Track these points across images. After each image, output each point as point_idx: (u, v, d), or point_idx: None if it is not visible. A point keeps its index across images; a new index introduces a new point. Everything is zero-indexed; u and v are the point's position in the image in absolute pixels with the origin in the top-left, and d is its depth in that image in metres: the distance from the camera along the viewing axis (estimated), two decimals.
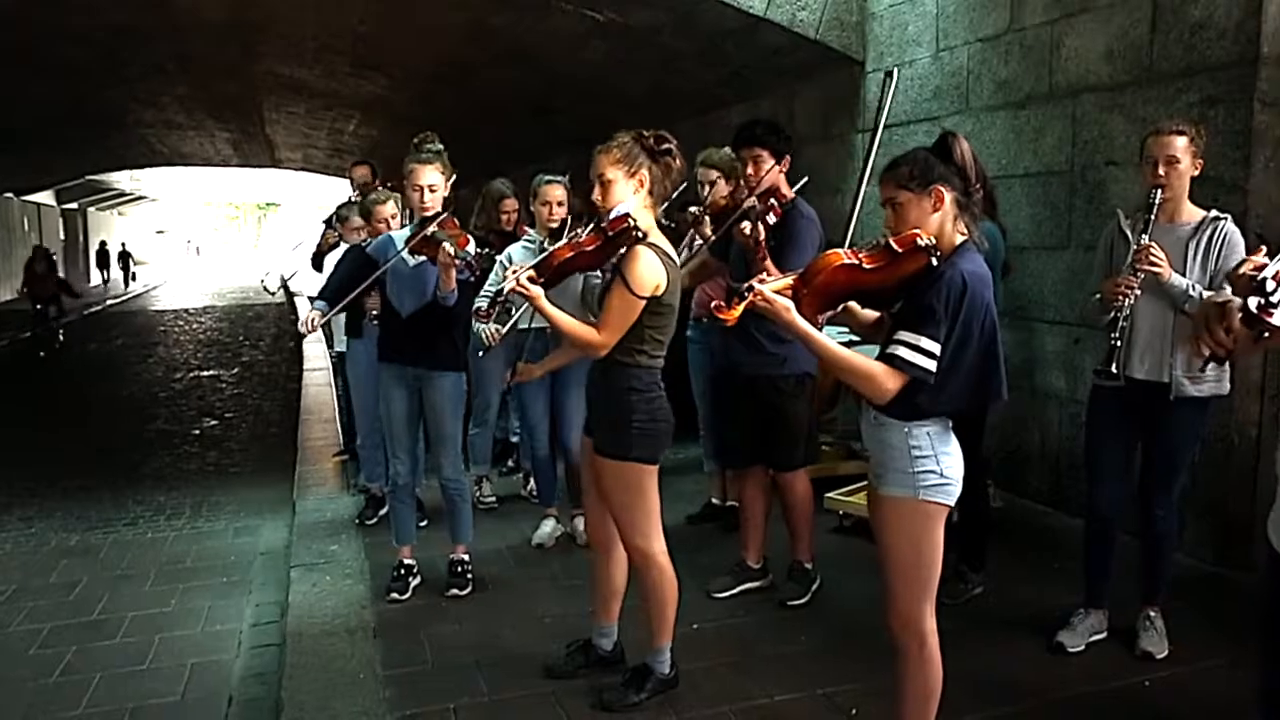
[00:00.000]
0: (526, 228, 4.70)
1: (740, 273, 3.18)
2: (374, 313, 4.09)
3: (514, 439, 5.10)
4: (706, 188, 3.97)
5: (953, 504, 2.05)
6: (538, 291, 2.35)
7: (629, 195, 2.47)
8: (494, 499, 4.42)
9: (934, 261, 2.02)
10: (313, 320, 3.56)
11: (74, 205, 27.33)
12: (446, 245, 2.99)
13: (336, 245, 5.14)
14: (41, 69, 9.12)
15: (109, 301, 21.43)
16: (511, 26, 6.79)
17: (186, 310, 19.30)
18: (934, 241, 2.03)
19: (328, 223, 5.36)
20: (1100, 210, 3.98)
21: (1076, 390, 4.11)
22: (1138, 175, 3.85)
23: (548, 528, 3.98)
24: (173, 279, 31.39)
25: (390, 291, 3.28)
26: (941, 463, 2.02)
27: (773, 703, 2.59)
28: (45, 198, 24.40)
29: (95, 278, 29.29)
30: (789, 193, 3.20)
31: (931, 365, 1.95)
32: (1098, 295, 2.82)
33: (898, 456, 2.03)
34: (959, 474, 2.05)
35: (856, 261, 2.02)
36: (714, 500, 4.27)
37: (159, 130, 14.95)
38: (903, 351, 1.96)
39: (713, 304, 2.00)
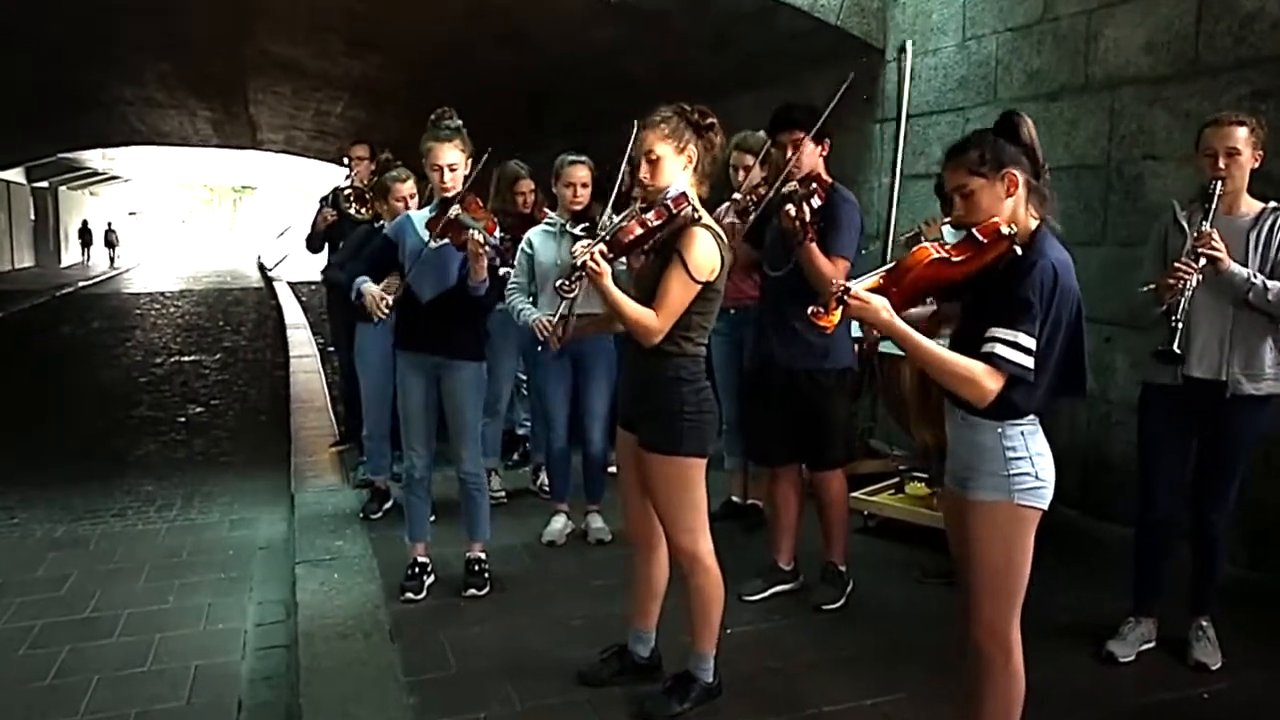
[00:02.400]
0: (546, 210, 4.55)
1: (779, 259, 3.04)
2: (377, 316, 3.92)
3: (520, 431, 4.94)
4: (740, 173, 3.83)
5: (1046, 507, 1.94)
6: (606, 269, 2.19)
7: (678, 172, 2.34)
8: (503, 493, 4.26)
9: (1018, 250, 1.90)
10: (386, 303, 3.09)
11: (45, 184, 26.62)
12: (476, 234, 2.82)
13: (335, 225, 4.94)
14: (16, 42, 8.77)
15: (81, 284, 20.88)
16: (513, 6, 6.59)
17: (163, 293, 18.85)
18: (1016, 230, 1.92)
19: (325, 201, 5.14)
20: (1137, 206, 3.89)
21: (1107, 390, 4.02)
22: (1179, 170, 3.79)
23: (559, 524, 3.83)
24: (147, 261, 30.71)
25: (410, 276, 3.10)
26: (1036, 464, 1.91)
27: (822, 713, 2.46)
28: (15, 175, 23.75)
29: (68, 258, 28.63)
30: (827, 177, 3.08)
31: (1030, 362, 1.84)
32: (1150, 286, 2.72)
33: (990, 459, 1.91)
34: (1052, 476, 1.94)
35: (945, 255, 1.90)
36: (734, 498, 4.14)
37: (139, 108, 14.52)
38: (1001, 350, 1.84)
39: (809, 310, 1.87)
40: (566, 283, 2.17)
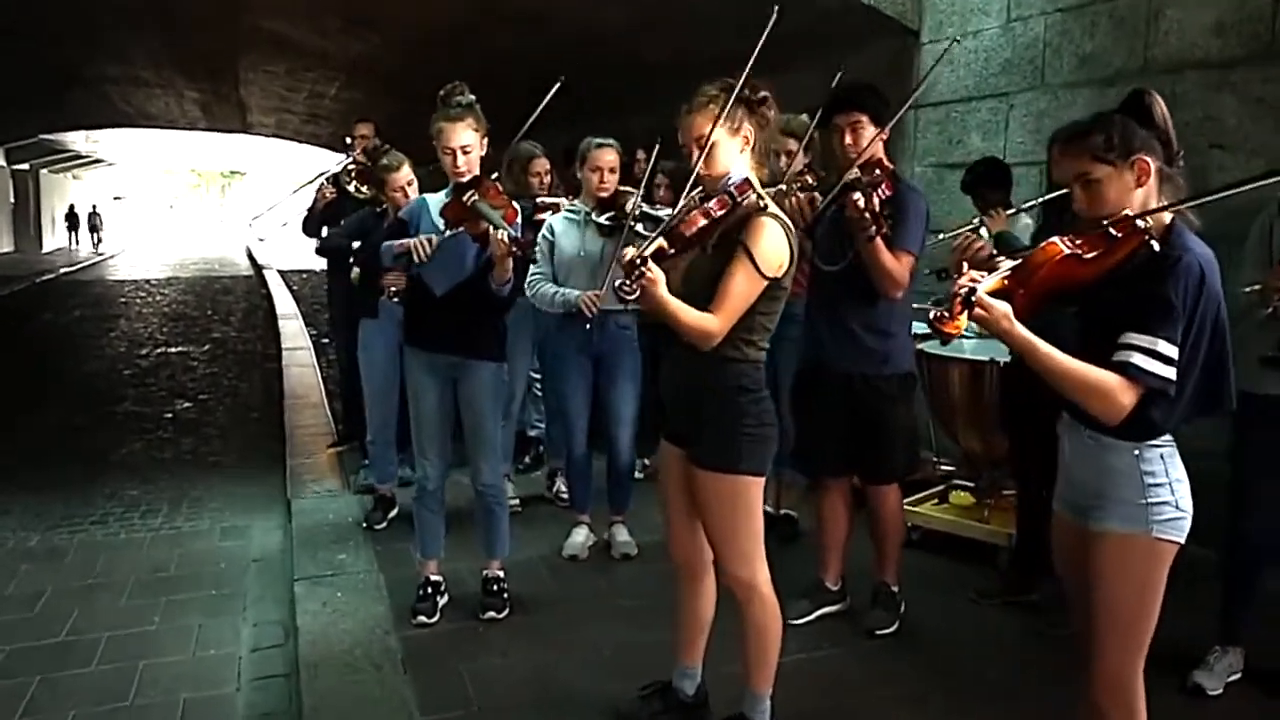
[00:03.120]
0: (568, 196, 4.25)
1: (834, 253, 2.75)
2: (393, 290, 3.61)
3: (532, 433, 4.65)
4: (782, 158, 3.53)
5: (1183, 541, 1.68)
6: (660, 275, 1.90)
7: (735, 156, 2.06)
8: (517, 501, 3.96)
9: (1155, 246, 1.63)
10: (423, 244, 2.75)
11: (25, 166, 25.99)
12: (500, 233, 2.53)
13: (334, 204, 4.62)
14: None
15: (64, 270, 20.38)
16: None
17: (148, 281, 18.38)
18: (1151, 223, 1.65)
19: (326, 177, 4.81)
20: None
21: None
22: (1250, 161, 3.53)
23: (580, 537, 3.55)
24: (132, 248, 30.13)
25: (421, 266, 2.79)
26: (1176, 491, 1.65)
27: None
28: None
29: (50, 243, 28.04)
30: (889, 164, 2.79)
31: (1171, 373, 1.57)
32: (1255, 287, 2.47)
33: (1125, 485, 1.64)
34: (1191, 505, 1.67)
35: (1076, 252, 1.63)
36: (767, 508, 3.85)
37: (124, 88, 14.07)
38: (1138, 359, 1.57)
39: (931, 315, 1.59)
40: (628, 283, 1.87)
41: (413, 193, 3.61)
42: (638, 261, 1.87)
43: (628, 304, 1.93)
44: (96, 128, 22.75)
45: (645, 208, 3.29)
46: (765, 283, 1.99)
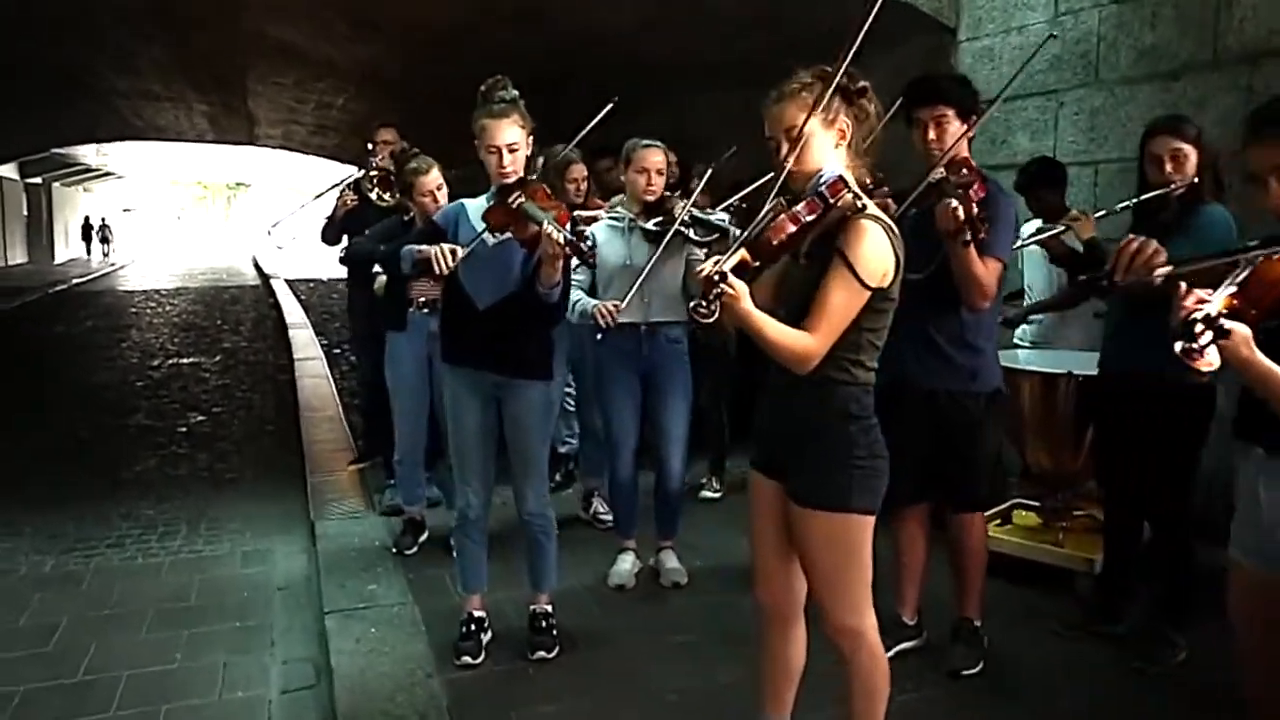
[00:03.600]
0: (598, 200, 4.06)
1: (919, 260, 2.53)
2: (422, 300, 3.42)
3: (563, 449, 4.44)
4: None
5: None
6: (743, 289, 1.68)
7: (829, 152, 1.85)
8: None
9: None
10: (444, 254, 2.52)
11: (38, 179, 26.01)
12: (551, 230, 2.31)
13: (355, 212, 4.43)
14: (4, 27, 8.24)
15: (76, 281, 20.28)
16: None
17: (158, 291, 18.27)
18: None
19: (352, 187, 4.62)
20: None
21: None
22: None
23: (626, 564, 3.33)
24: (142, 258, 30.08)
25: (463, 277, 2.59)
26: None
27: None
28: (8, 171, 23.15)
29: (63, 255, 28.04)
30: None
31: None
32: None
33: None
34: None
35: None
36: None
37: (134, 101, 13.96)
38: None
39: (1180, 349, 1.38)
40: (704, 304, 1.64)
41: (442, 198, 3.41)
42: (716, 277, 1.64)
43: (703, 324, 1.67)
44: (107, 141, 22.69)
45: (696, 212, 3.08)
46: (868, 294, 1.78)
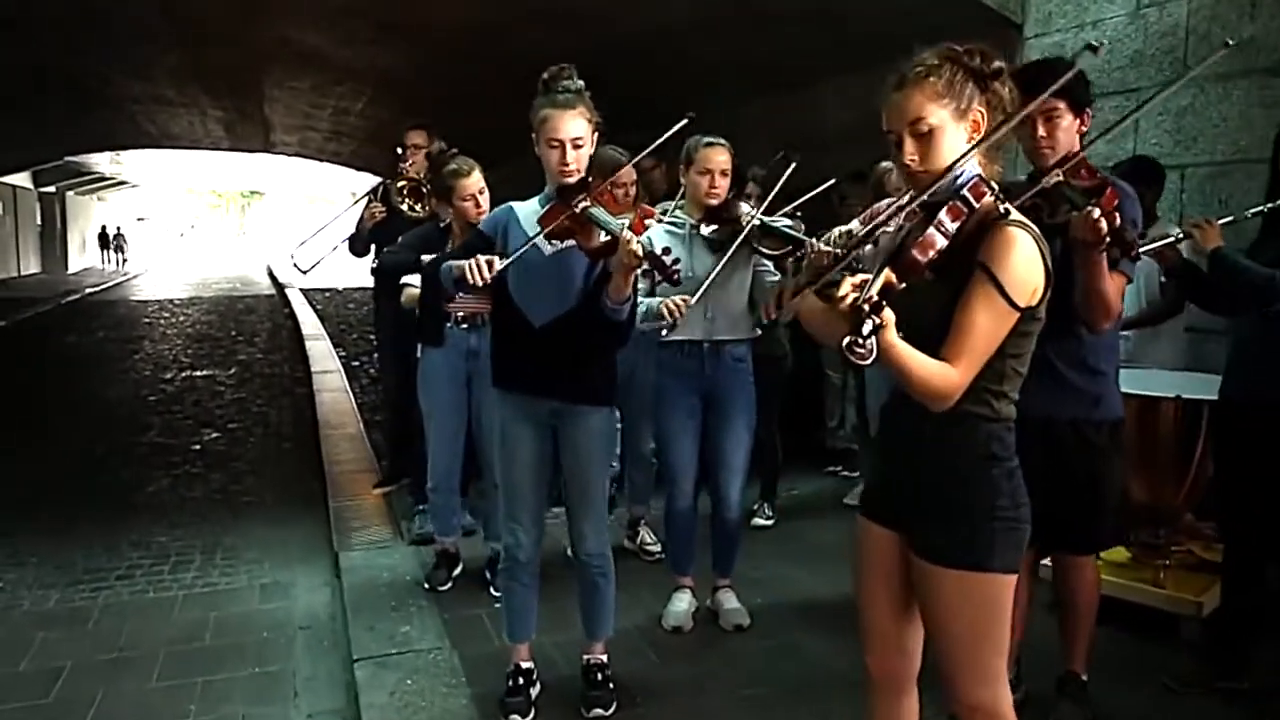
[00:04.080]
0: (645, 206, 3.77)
1: None
2: (461, 315, 3.14)
3: None
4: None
5: None
6: (891, 319, 1.37)
7: (961, 147, 1.55)
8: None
9: None
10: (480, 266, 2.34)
11: (52, 188, 25.99)
12: (631, 239, 2.03)
13: (384, 224, 4.17)
14: (18, 33, 8.06)
15: (89, 290, 20.17)
16: None
17: (171, 301, 18.12)
18: None
19: (374, 194, 4.36)
20: None
21: None
22: None
23: (683, 604, 3.03)
24: (155, 267, 30.03)
25: (515, 291, 2.31)
26: None
27: None
28: (22, 179, 23.10)
29: (77, 264, 28.02)
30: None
31: None
32: None
33: None
34: None
35: None
36: None
37: (148, 107, 13.82)
38: None
39: (845, 341, 1.23)
40: (859, 341, 1.32)
41: (484, 203, 3.14)
42: (865, 306, 1.32)
43: (859, 364, 1.33)
44: (121, 149, 22.69)
45: (764, 218, 2.80)
46: (1016, 314, 1.49)
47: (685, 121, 2.31)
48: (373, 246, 4.34)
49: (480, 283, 2.11)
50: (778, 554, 3.66)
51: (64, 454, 5.83)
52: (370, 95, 11.46)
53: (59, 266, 26.56)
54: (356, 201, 4.72)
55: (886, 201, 3.18)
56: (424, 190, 4.09)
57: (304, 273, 4.46)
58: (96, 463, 5.63)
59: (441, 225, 3.29)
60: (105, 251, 31.01)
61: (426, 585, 3.31)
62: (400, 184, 4.11)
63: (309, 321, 12.55)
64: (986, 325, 1.47)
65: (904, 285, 1.41)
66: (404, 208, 4.11)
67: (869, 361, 1.31)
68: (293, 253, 4.61)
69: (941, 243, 1.45)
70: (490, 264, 2.12)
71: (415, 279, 3.48)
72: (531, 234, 2.28)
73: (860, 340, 1.30)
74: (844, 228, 3.15)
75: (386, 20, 7.78)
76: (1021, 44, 4.67)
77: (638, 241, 2.03)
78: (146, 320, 14.62)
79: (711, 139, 2.86)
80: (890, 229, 1.69)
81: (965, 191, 1.50)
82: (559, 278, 2.23)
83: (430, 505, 3.40)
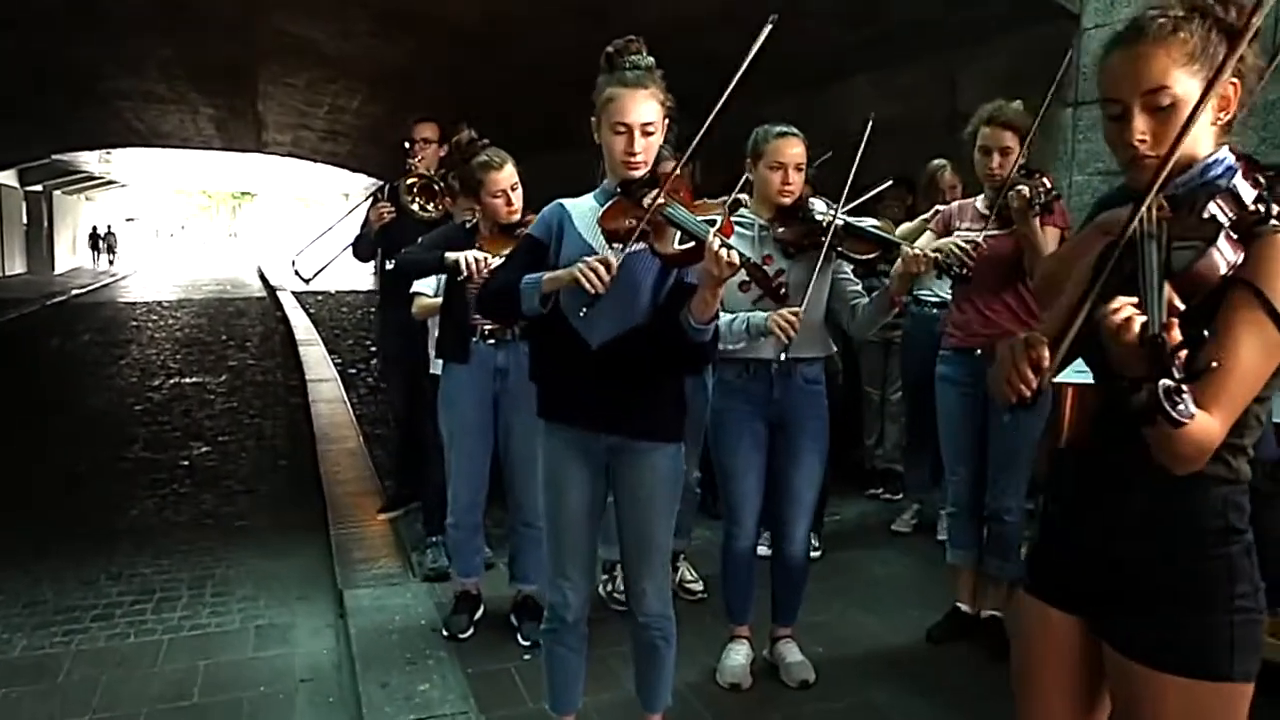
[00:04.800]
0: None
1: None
2: (487, 328, 2.77)
3: None
4: (995, 157, 2.69)
5: None
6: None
7: (1206, 128, 1.22)
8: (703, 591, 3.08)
9: None
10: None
11: (39, 187, 25.47)
12: (716, 244, 1.66)
13: (392, 226, 3.79)
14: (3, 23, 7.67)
15: (74, 291, 19.67)
16: None
17: (160, 303, 17.65)
18: None
19: (380, 195, 3.98)
20: None
21: None
22: None
23: (740, 657, 2.67)
24: (144, 269, 29.49)
25: (568, 305, 1.93)
26: None
27: None
28: (8, 178, 22.62)
29: (64, 265, 27.49)
30: None
31: None
32: None
33: None
34: None
35: None
36: (961, 606, 2.98)
37: (137, 104, 13.39)
38: None
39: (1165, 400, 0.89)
40: (1181, 395, 0.92)
41: (517, 200, 2.77)
42: (1165, 344, 0.95)
43: (1174, 424, 0.93)
44: (109, 147, 22.16)
45: (848, 218, 2.44)
46: None
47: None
48: (379, 251, 3.97)
49: (602, 289, 1.74)
50: (833, 592, 3.30)
51: (40, 470, 5.41)
52: (367, 92, 11.08)
53: (45, 267, 26.02)
54: (361, 203, 4.34)
55: (980, 199, 2.84)
56: (436, 188, 3.72)
57: (306, 281, 4.08)
58: (75, 480, 5.22)
59: (468, 225, 2.91)
60: (96, 252, 30.50)
61: (445, 632, 2.93)
62: (409, 181, 3.73)
63: (302, 326, 12.13)
64: (1254, 362, 1.11)
65: (1183, 309, 1.04)
66: (414, 208, 3.73)
67: (1190, 419, 0.94)
68: (294, 259, 4.23)
69: (1232, 255, 1.08)
70: (608, 265, 1.75)
71: (426, 286, 3.11)
72: (588, 236, 1.92)
73: (1179, 401, 0.91)
74: (931, 236, 2.80)
75: (389, 11, 7.41)
76: (1080, 35, 4.33)
77: (730, 247, 1.66)
78: (134, 323, 14.17)
79: (784, 128, 2.50)
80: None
81: (1231, 182, 1.14)
82: (622, 289, 1.86)
83: (450, 542, 3.01)
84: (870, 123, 2.56)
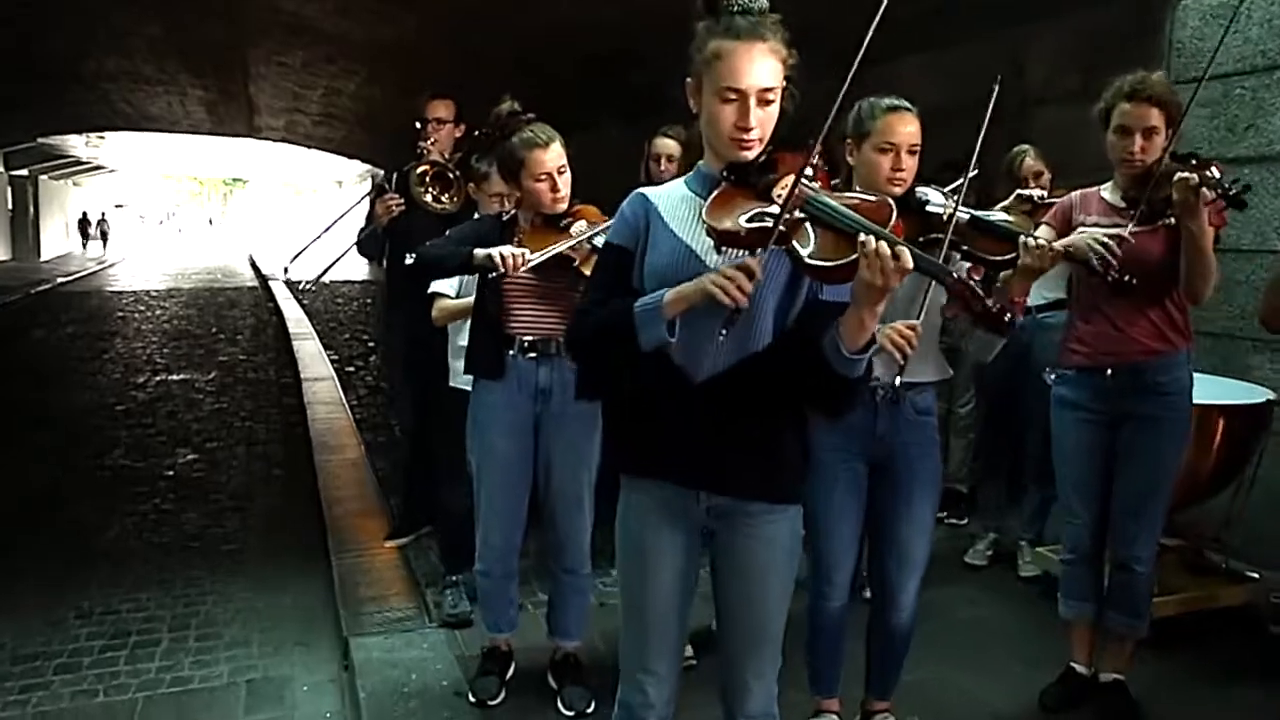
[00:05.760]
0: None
1: None
2: (527, 340, 2.32)
3: None
4: (1137, 139, 2.25)
5: None
6: None
7: None
8: (691, 658, 2.62)
9: None
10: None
11: (24, 172, 24.79)
12: (895, 250, 1.21)
13: (402, 219, 3.33)
14: None
15: (60, 280, 19.09)
16: None
17: (148, 293, 17.08)
18: None
19: (387, 185, 3.51)
20: None
21: None
22: None
23: None
24: (132, 256, 28.84)
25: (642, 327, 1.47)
26: None
27: None
28: None
29: (50, 251, 26.85)
30: None
31: None
32: None
33: None
34: None
35: None
36: (1076, 666, 2.54)
37: (123, 85, 12.85)
38: None
39: None
40: None
41: (564, 185, 2.30)
42: None
43: None
44: (94, 130, 21.56)
45: (973, 210, 1.99)
46: None
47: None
48: (387, 247, 3.50)
49: (744, 304, 1.31)
50: (921, 641, 2.82)
51: (8, 483, 4.92)
52: (366, 73, 10.55)
53: (31, 254, 25.36)
54: (362, 198, 3.86)
55: (1106, 188, 2.40)
56: (451, 177, 3.25)
57: (301, 290, 3.61)
58: (48, 495, 4.73)
59: (504, 217, 2.44)
60: (86, 238, 29.94)
61: (471, 697, 2.47)
62: (421, 169, 3.26)
63: (295, 318, 11.63)
64: None
65: None
66: (427, 199, 3.26)
67: None
68: (286, 267, 3.75)
69: None
70: (750, 272, 1.30)
71: (447, 286, 2.65)
72: (684, 235, 1.46)
73: None
74: (1050, 232, 2.35)
75: None
76: (1172, 6, 3.88)
77: (912, 251, 1.21)
78: (120, 314, 13.64)
79: (895, 101, 2.05)
80: None
81: None
82: (747, 311, 1.39)
83: (478, 591, 2.55)
84: (996, 88, 2.10)
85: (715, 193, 1.45)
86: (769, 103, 1.43)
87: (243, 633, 3.14)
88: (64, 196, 30.49)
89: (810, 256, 1.31)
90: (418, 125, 3.45)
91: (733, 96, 1.42)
